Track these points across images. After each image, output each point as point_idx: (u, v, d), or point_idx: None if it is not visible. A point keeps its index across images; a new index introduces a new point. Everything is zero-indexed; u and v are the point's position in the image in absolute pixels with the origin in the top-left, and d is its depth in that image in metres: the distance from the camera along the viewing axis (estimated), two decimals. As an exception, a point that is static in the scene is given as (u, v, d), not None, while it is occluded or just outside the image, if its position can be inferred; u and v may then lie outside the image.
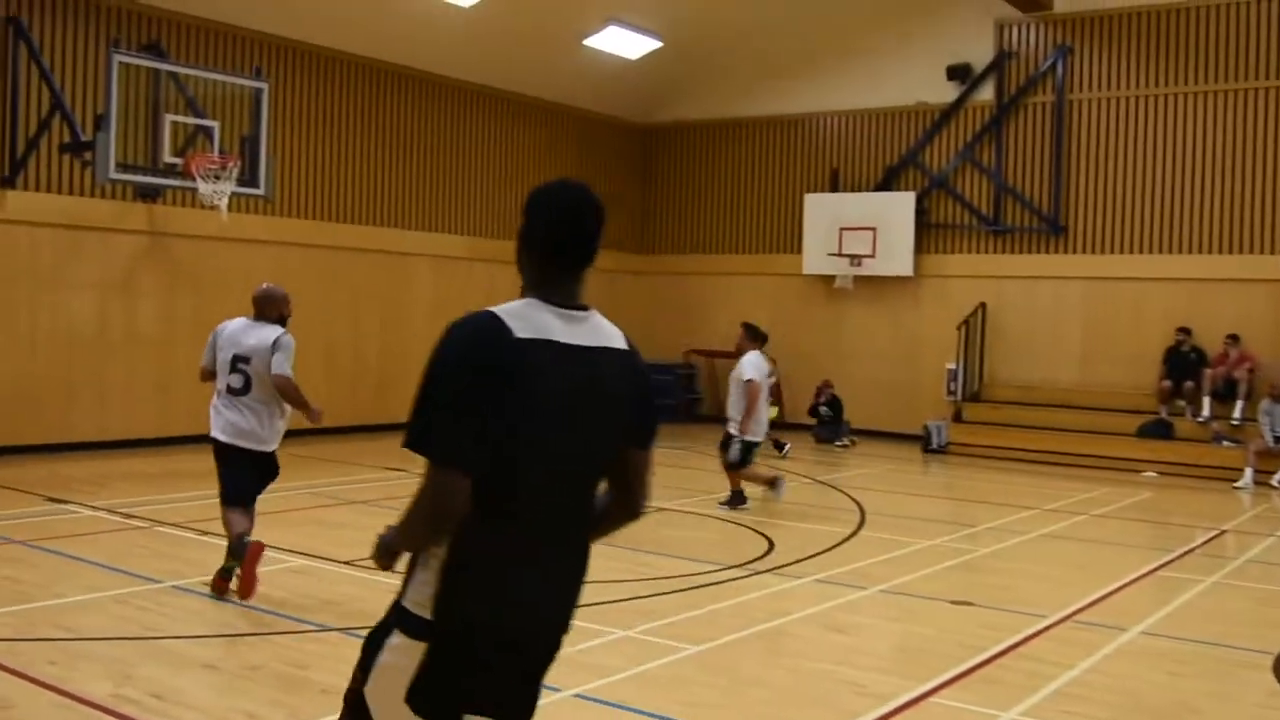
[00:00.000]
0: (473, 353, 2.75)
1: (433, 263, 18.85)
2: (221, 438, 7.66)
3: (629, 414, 3.03)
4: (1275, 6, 17.16)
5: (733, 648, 6.90)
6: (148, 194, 15.05)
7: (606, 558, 9.41)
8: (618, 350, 3.01)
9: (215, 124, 14.41)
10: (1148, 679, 6.64)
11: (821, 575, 9.02)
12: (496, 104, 20.33)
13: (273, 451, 7.86)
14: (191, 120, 14.47)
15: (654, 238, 23.28)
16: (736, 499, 12.09)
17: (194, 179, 13.77)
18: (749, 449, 12.10)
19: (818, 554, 9.84)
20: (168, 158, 14.00)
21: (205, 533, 9.81)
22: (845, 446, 18.69)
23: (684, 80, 21.91)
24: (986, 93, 19.52)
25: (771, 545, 10.12)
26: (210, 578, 7.75)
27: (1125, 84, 18.32)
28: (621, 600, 7.92)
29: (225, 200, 13.94)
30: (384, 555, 2.99)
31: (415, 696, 2.84)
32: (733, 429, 12.06)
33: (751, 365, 12.01)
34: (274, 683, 5.99)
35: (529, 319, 2.83)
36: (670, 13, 18.99)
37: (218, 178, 13.81)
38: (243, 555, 7.45)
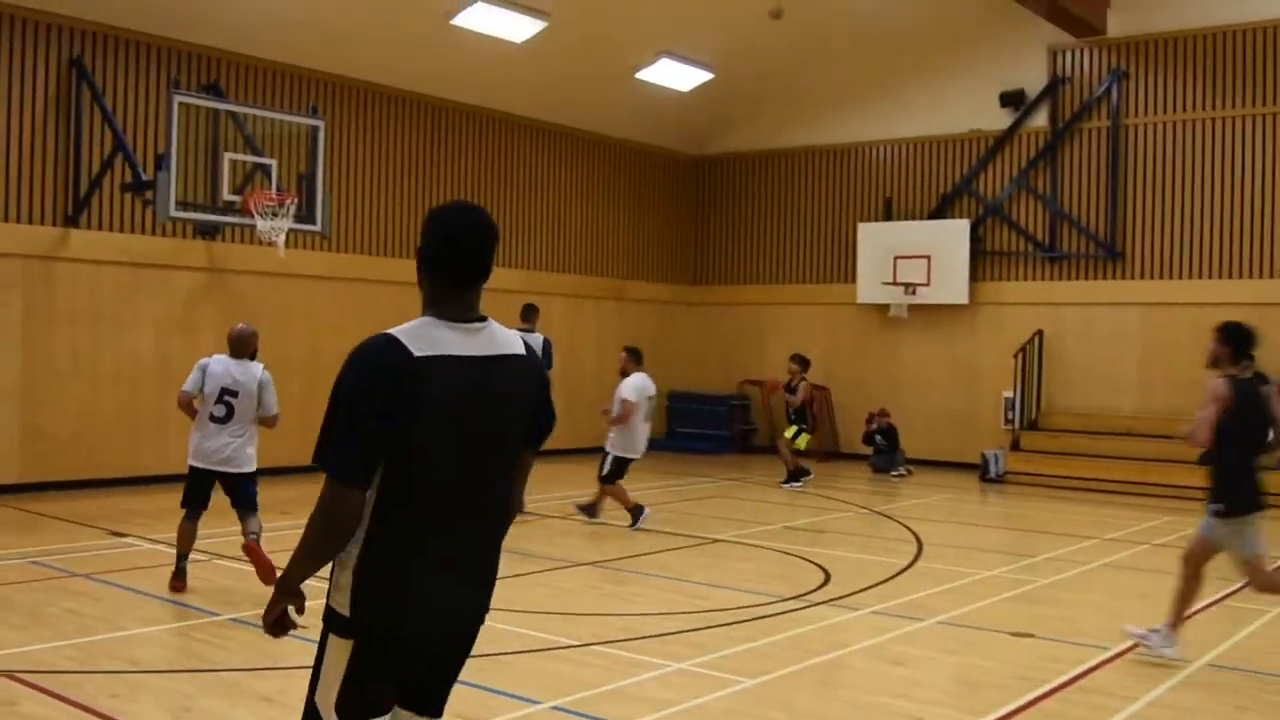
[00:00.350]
0: (373, 375, 2.98)
1: (487, 297, 18.86)
2: (199, 464, 8.82)
3: (526, 414, 3.29)
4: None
5: (788, 681, 6.85)
6: (207, 231, 15.28)
7: (660, 589, 9.44)
8: (514, 356, 3.24)
9: (273, 162, 14.62)
10: (1213, 713, 6.52)
11: (879, 607, 8.93)
12: (550, 138, 20.47)
13: (248, 474, 8.95)
14: (250, 158, 14.69)
15: (707, 268, 23.30)
16: (588, 510, 12.94)
17: (252, 216, 13.96)
18: (621, 465, 12.70)
19: (875, 585, 9.76)
20: (226, 195, 14.22)
21: (263, 566, 9.90)
22: (901, 476, 18.55)
23: (736, 111, 21.96)
24: (1040, 119, 19.40)
25: (828, 576, 10.06)
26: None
27: (1181, 107, 18.14)
28: (675, 633, 7.89)
29: (283, 237, 14.12)
30: (284, 598, 3.22)
31: (344, 701, 3.13)
32: (608, 446, 12.77)
33: (631, 387, 12.74)
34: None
35: (426, 337, 3.05)
36: (722, 44, 19.06)
37: (275, 214, 13.99)
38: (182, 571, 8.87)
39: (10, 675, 6.54)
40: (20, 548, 10.55)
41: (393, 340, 3.01)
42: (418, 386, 2.98)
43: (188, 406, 8.84)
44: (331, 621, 3.16)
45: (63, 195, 14.34)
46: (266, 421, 9.00)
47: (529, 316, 14.00)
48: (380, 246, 17.64)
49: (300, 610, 3.24)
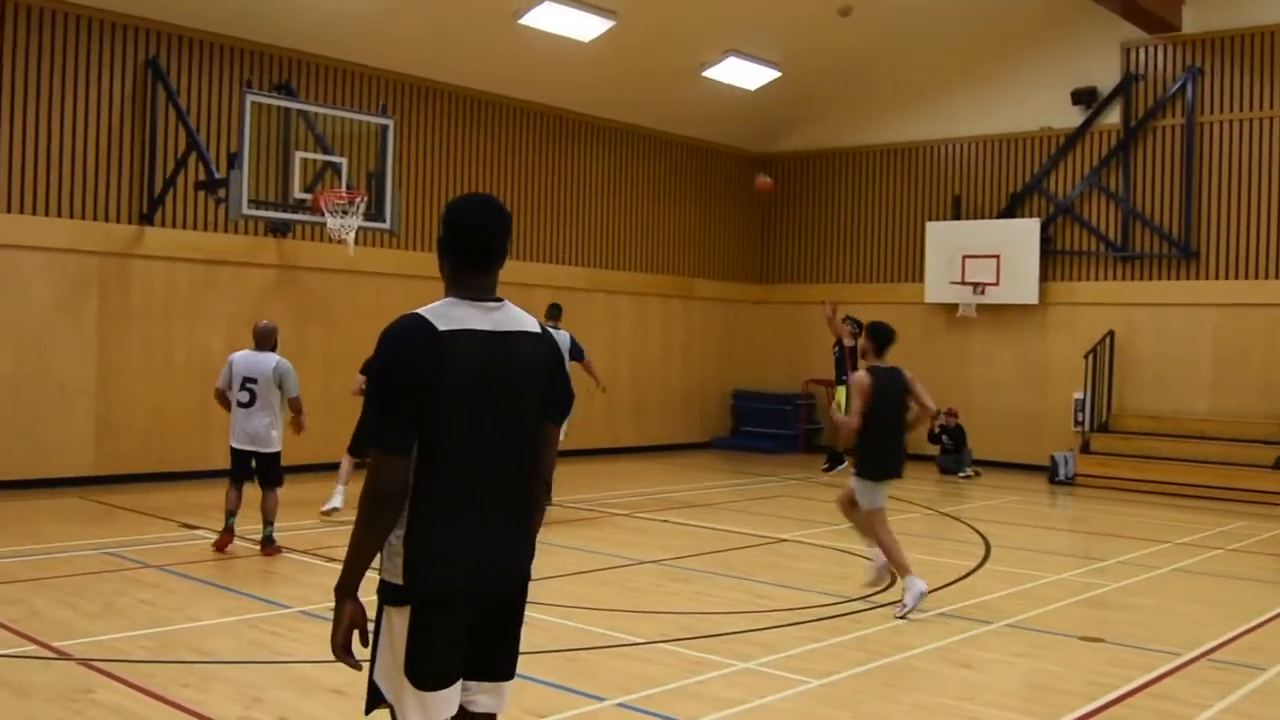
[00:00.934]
0: (403, 349, 3.27)
1: (554, 294, 18.98)
2: (234, 445, 10.28)
3: (543, 386, 3.51)
4: None
5: (855, 682, 6.82)
6: (278, 229, 15.48)
7: (725, 588, 9.43)
8: (530, 333, 3.50)
9: (343, 160, 14.77)
10: (1288, 720, 6.40)
11: (946, 608, 8.86)
12: (616, 137, 20.51)
13: (273, 453, 10.28)
14: (320, 157, 14.84)
15: (773, 267, 23.23)
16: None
17: (323, 214, 14.11)
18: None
19: (942, 587, 9.67)
20: (297, 194, 14.38)
21: (331, 559, 10.03)
22: (968, 477, 18.38)
23: (803, 110, 21.87)
24: (1113, 116, 19.14)
25: (894, 578, 9.98)
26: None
27: (1258, 105, 17.81)
28: (741, 632, 7.88)
29: (352, 235, 14.25)
30: (344, 604, 3.34)
31: (412, 664, 3.28)
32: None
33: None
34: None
35: (448, 314, 3.34)
36: (788, 43, 18.98)
37: (345, 212, 14.14)
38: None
39: (87, 663, 6.67)
40: (95, 539, 10.75)
41: (419, 317, 3.31)
42: (444, 358, 3.26)
43: (221, 398, 10.36)
44: (386, 594, 3.35)
45: (138, 194, 14.60)
46: (292, 404, 10.24)
47: (554, 314, 13.94)
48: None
49: (364, 638, 3.38)
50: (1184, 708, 6.47)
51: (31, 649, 6.97)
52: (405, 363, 3.25)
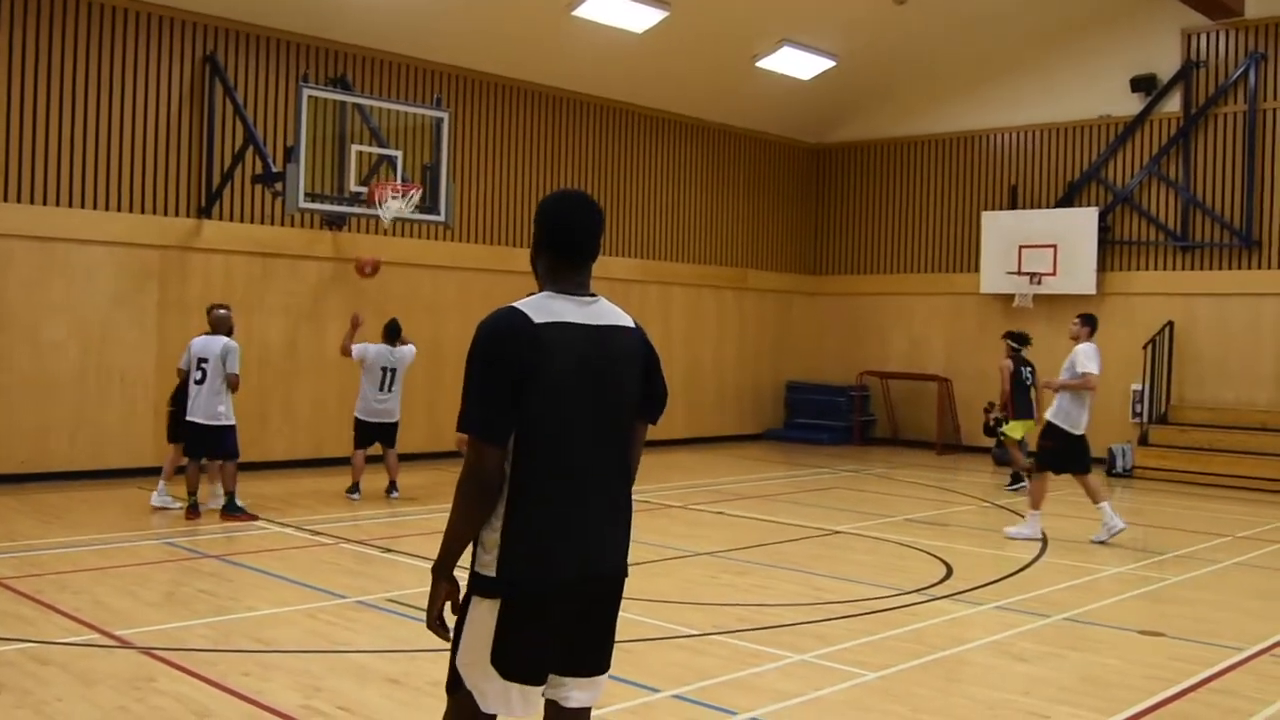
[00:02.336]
0: (500, 341, 3.30)
1: (607, 286, 18.95)
2: (190, 419, 11.26)
3: (638, 381, 3.56)
4: None
5: (911, 675, 6.78)
6: (333, 222, 15.59)
7: (780, 580, 9.41)
8: (625, 327, 3.53)
9: (398, 153, 14.85)
10: (1354, 717, 6.30)
11: (1002, 602, 8.79)
12: (670, 127, 20.49)
13: (224, 426, 11.28)
14: (376, 150, 14.93)
15: (827, 258, 23.13)
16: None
17: (376, 206, 14.19)
18: (355, 426, 13.20)
19: (998, 580, 9.61)
20: (353, 187, 14.47)
21: (389, 550, 10.11)
22: (1025, 469, 18.20)
23: (858, 99, 21.74)
24: (1173, 104, 18.87)
25: (950, 570, 9.93)
26: (393, 594, 8.01)
27: (1323, 91, 17.51)
28: (796, 624, 7.86)
29: (392, 216, 14.21)
30: (440, 583, 3.43)
31: (499, 654, 3.30)
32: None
33: (361, 350, 13.13)
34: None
35: (545, 307, 3.37)
36: (844, 32, 18.87)
37: (399, 203, 14.20)
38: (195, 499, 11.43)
39: (148, 652, 6.77)
40: (155, 529, 10.90)
41: (516, 310, 3.35)
42: (540, 349, 3.29)
43: (181, 377, 11.61)
44: (476, 585, 3.37)
45: (196, 187, 14.76)
46: (229, 379, 11.24)
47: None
48: (502, 236, 17.83)
49: (455, 607, 3.43)
50: (1247, 703, 6.38)
51: (95, 637, 7.08)
52: (502, 353, 3.28)
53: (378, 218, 14.36)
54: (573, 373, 3.34)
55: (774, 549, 10.90)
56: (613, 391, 3.44)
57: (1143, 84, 18.98)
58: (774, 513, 13.03)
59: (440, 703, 5.98)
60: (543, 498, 3.33)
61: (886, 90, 21.49)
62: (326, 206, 14.58)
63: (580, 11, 16.39)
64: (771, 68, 19.40)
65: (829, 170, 23.17)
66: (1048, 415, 11.95)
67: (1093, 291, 19.16)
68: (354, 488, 12.99)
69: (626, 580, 3.60)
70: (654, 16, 16.91)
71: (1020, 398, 15.51)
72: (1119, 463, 17.84)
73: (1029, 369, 15.58)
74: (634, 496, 3.63)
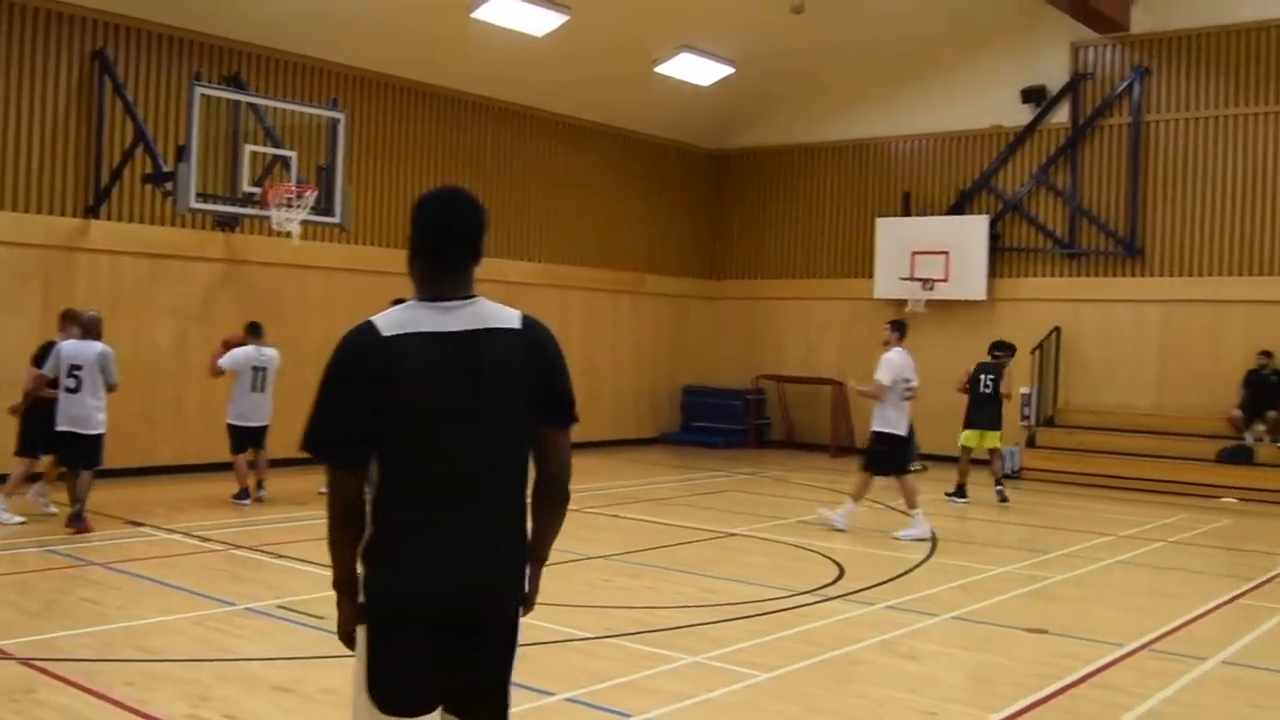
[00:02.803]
0: (346, 360, 3.13)
1: (504, 289, 18.95)
2: (58, 428, 10.80)
3: (522, 384, 3.22)
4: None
5: (802, 675, 6.86)
6: (226, 223, 15.34)
7: (674, 582, 9.45)
8: (503, 329, 3.22)
9: (293, 154, 14.66)
10: (1228, 710, 6.50)
11: (893, 602, 8.93)
12: (570, 132, 20.48)
13: (94, 435, 10.89)
14: (270, 150, 14.73)
15: (725, 263, 23.29)
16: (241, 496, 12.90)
17: (270, 208, 14.00)
18: (229, 432, 12.90)
19: (888, 580, 9.76)
20: (246, 187, 14.25)
21: (281, 555, 9.97)
22: (915, 471, 18.47)
23: (756, 106, 21.93)
24: (1062, 115, 19.34)
25: (842, 571, 10.06)
26: (284, 600, 7.90)
27: (1204, 104, 18.06)
28: (689, 626, 7.90)
29: (296, 225, 14.10)
30: (341, 599, 3.28)
31: (372, 683, 3.13)
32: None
33: (230, 359, 12.94)
34: (348, 706, 6.04)
35: (400, 319, 3.16)
36: (742, 39, 19.03)
37: (291, 205, 14.02)
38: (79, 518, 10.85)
39: (28, 663, 6.59)
40: (37, 536, 10.62)
41: (366, 324, 3.16)
42: (389, 365, 3.08)
43: (45, 385, 11.00)
44: (358, 610, 3.22)
45: (84, 186, 14.41)
46: (109, 389, 10.98)
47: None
48: (399, 239, 17.64)
49: (361, 621, 3.21)
50: (1127, 697, 6.56)
51: (-28, 647, 6.88)
52: (348, 372, 3.12)
53: (270, 219, 14.17)
54: (430, 385, 3.10)
55: (668, 551, 10.95)
56: (478, 401, 3.14)
57: (1033, 95, 19.43)
58: (668, 516, 13.09)
59: (330, 710, 5.94)
60: (403, 517, 3.12)
61: (784, 97, 21.71)
62: (218, 207, 14.35)
63: (480, 14, 16.33)
64: (670, 74, 19.50)
65: (728, 176, 23.34)
66: (874, 424, 12.29)
67: (983, 297, 19.55)
68: (243, 494, 12.79)
69: (519, 610, 3.32)
70: (554, 20, 16.91)
71: (976, 407, 15.38)
72: (1008, 464, 18.19)
73: (991, 377, 15.41)
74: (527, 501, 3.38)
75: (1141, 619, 8.60)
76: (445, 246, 3.25)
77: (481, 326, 3.20)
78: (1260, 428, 16.95)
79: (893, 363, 12.18)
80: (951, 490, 15.33)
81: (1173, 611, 8.86)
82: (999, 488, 15.10)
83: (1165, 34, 18.32)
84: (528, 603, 3.40)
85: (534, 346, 3.27)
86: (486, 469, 3.19)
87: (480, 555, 3.18)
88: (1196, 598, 9.47)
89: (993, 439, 15.24)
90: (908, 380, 12.23)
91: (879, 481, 12.64)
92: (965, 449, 15.48)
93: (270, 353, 13.04)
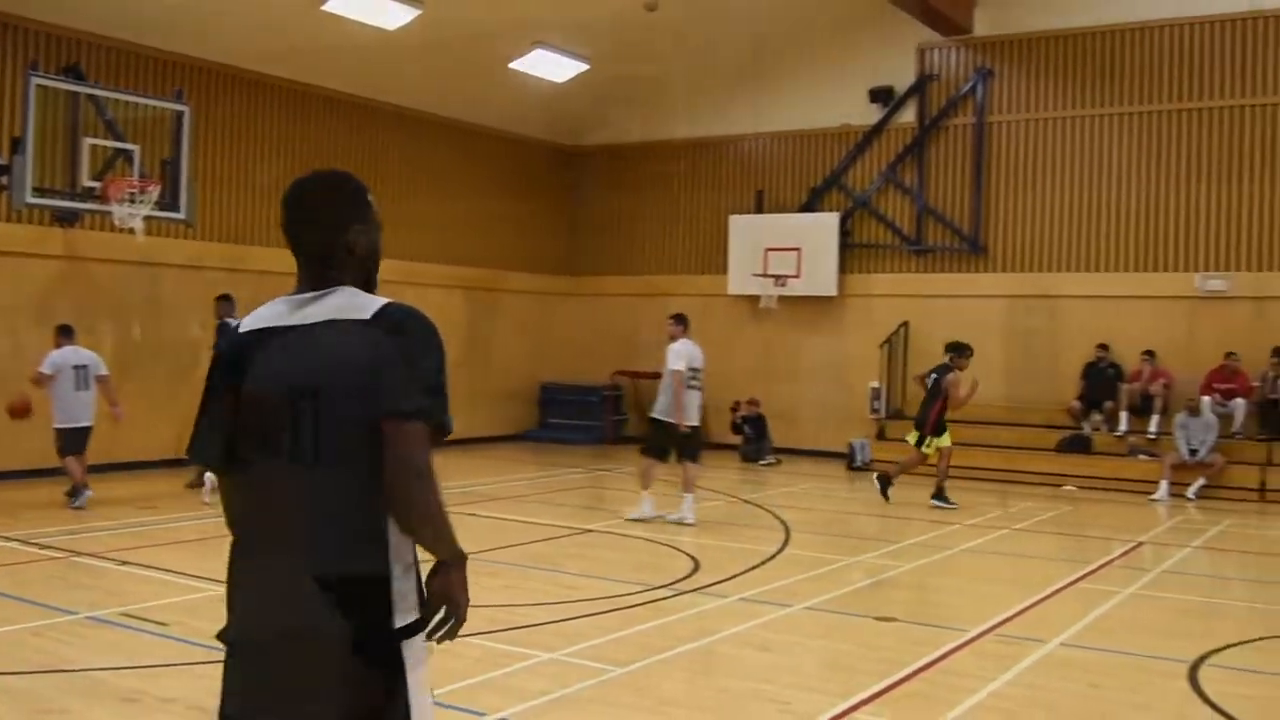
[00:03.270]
0: (215, 360, 2.98)
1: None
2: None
3: (359, 384, 2.78)
4: (1188, 32, 17.59)
5: (658, 668, 6.91)
6: (65, 219, 14.83)
7: (530, 580, 9.45)
8: (344, 321, 2.84)
9: (136, 147, 14.24)
10: (1067, 690, 6.74)
11: (747, 594, 9.05)
12: (423, 127, 20.27)
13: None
14: (111, 144, 14.28)
15: (582, 260, 23.30)
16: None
17: (112, 203, 13.58)
18: (57, 436, 12.53)
19: (743, 572, 9.89)
20: (86, 181, 13.80)
21: (125, 563, 9.68)
22: (769, 465, 18.81)
23: (611, 103, 21.99)
24: (909, 115, 19.81)
25: (697, 565, 10.17)
26: (128, 608, 7.69)
27: (1044, 106, 18.69)
28: (545, 623, 7.90)
29: (139, 221, 13.72)
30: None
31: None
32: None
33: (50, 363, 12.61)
34: (193, 715, 5.91)
35: (259, 313, 2.96)
36: (597, 36, 19.06)
37: (132, 200, 13.64)
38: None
39: None
40: None
41: (238, 321, 3.04)
42: (241, 362, 2.87)
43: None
44: None
45: (-89, 180, 13.80)
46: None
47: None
48: (247, 235, 17.28)
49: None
50: (973, 681, 6.76)
51: None
52: (212, 367, 2.97)
53: (112, 214, 13.75)
54: (264, 385, 2.83)
55: (525, 549, 10.93)
56: (309, 401, 2.78)
57: (881, 95, 19.86)
58: (526, 513, 13.07)
59: (174, 718, 5.80)
60: (236, 534, 2.92)
61: (638, 94, 21.80)
62: (56, 202, 13.89)
63: (330, 6, 16.05)
64: (525, 69, 19.44)
65: (584, 173, 23.36)
66: (654, 411, 12.66)
67: (834, 293, 19.93)
68: (77, 490, 12.37)
69: (339, 649, 2.76)
70: (407, 14, 16.71)
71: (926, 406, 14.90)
72: (859, 457, 18.59)
73: (934, 376, 15.00)
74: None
75: (986, 605, 8.86)
76: (288, 233, 3.01)
77: (328, 319, 2.87)
78: (1097, 418, 17.61)
79: (679, 352, 12.49)
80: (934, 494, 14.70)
81: (1016, 597, 9.15)
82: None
83: (1007, 37, 18.91)
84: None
85: (378, 337, 2.84)
86: (311, 483, 2.82)
87: (289, 585, 2.84)
88: (1039, 583, 9.79)
89: (930, 440, 14.69)
90: (694, 370, 12.50)
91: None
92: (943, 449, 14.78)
93: (88, 353, 12.66)
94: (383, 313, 2.87)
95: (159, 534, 11.20)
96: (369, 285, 3.05)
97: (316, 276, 2.96)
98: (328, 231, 2.97)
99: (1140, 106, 17.90)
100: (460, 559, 2.93)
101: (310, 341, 2.84)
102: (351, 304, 2.89)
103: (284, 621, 2.79)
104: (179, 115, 14.50)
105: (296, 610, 2.77)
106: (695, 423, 12.58)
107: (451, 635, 2.94)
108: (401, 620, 2.82)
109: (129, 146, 14.26)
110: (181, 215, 14.43)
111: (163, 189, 14.03)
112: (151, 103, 14.78)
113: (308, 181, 3.05)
